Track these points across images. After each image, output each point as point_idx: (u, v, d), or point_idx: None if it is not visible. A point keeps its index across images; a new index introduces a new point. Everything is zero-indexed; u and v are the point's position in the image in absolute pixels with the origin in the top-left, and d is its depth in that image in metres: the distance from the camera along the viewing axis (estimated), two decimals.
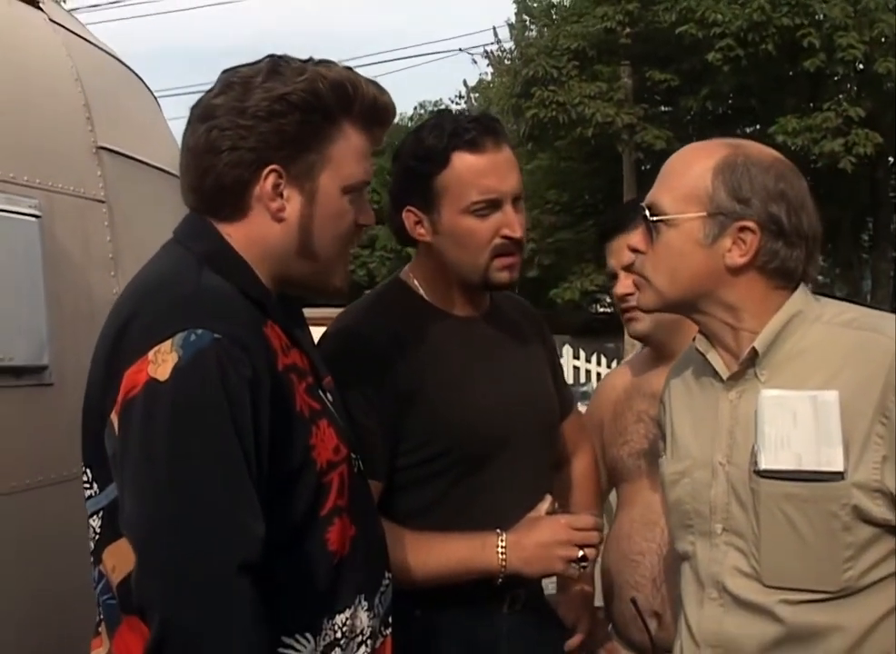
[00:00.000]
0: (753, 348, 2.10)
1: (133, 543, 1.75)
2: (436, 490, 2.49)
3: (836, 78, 23.70)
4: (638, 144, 24.94)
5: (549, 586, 2.82)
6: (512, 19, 29.19)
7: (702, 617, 2.17)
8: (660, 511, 2.79)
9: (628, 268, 2.83)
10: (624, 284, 2.87)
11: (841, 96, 22.83)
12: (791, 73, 23.38)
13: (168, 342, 1.76)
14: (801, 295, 2.14)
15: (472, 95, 37.65)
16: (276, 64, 1.97)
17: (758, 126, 25.31)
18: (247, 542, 1.74)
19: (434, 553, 2.43)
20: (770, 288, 2.12)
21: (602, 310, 34.68)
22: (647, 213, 2.15)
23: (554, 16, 27.41)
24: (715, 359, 2.18)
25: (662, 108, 26.93)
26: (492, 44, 32.07)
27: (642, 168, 26.68)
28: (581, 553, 2.46)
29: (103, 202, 3.17)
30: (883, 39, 21.75)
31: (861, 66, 22.77)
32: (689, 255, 2.11)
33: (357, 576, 2.00)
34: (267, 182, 1.94)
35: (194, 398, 1.74)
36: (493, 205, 2.49)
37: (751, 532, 2.08)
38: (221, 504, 1.73)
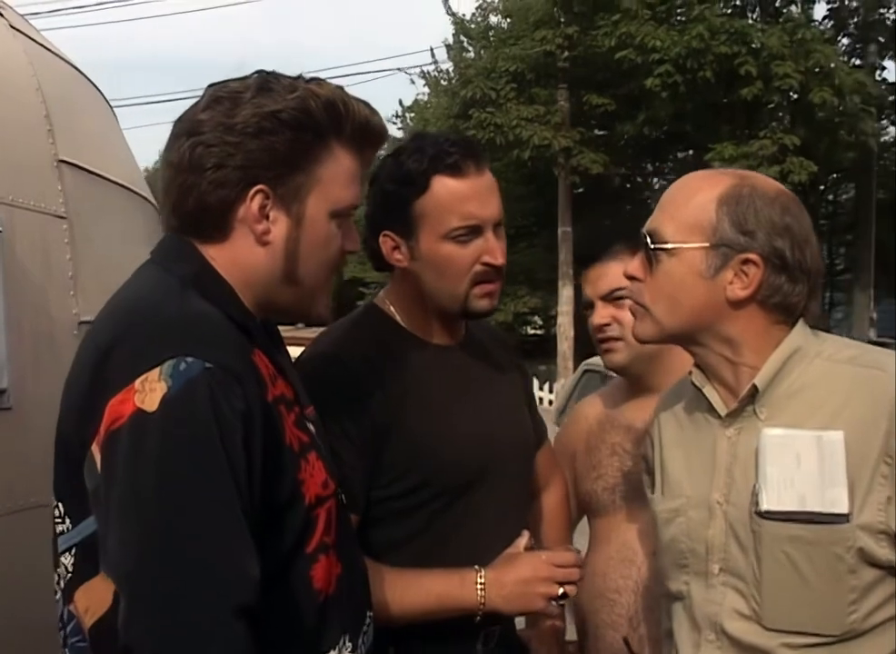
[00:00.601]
0: (754, 385, 2.05)
1: (120, 584, 1.63)
2: (417, 522, 2.40)
3: (772, 106, 24.08)
4: (574, 168, 25.15)
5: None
6: (450, 40, 29.33)
7: None
8: (636, 548, 2.74)
9: (605, 298, 2.79)
10: (601, 315, 2.82)
11: (776, 124, 23.16)
12: (727, 100, 23.68)
13: (156, 371, 1.65)
14: (801, 330, 2.09)
15: (407, 115, 37.75)
16: (266, 80, 1.88)
17: (690, 152, 25.57)
18: (243, 583, 1.63)
19: (412, 590, 2.35)
20: (770, 323, 2.07)
21: (533, 332, 34.80)
22: (648, 240, 2.09)
23: (492, 38, 27.55)
24: (712, 394, 2.12)
25: (599, 132, 27.16)
26: (429, 64, 32.24)
27: (576, 191, 26.87)
28: (561, 591, 2.39)
29: (63, 217, 3.04)
30: (818, 69, 22.10)
31: (796, 96, 23.12)
32: (689, 286, 2.05)
33: (342, 615, 1.91)
34: (253, 202, 1.84)
35: (185, 430, 1.63)
36: (474, 232, 2.41)
37: (752, 574, 2.02)
38: (215, 543, 1.63)
